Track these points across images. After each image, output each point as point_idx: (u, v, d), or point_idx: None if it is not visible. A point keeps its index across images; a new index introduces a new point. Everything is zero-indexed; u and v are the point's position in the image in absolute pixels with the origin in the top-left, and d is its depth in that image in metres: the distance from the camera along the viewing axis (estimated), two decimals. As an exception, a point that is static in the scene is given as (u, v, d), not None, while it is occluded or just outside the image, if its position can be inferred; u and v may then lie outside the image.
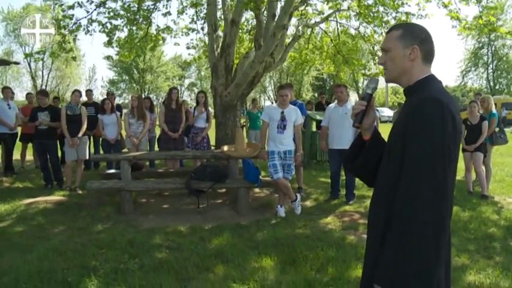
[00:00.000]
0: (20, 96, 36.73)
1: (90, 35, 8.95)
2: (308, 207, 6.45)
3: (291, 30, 9.60)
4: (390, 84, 43.51)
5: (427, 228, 1.45)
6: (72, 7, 8.44)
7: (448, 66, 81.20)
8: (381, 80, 5.77)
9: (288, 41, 8.82)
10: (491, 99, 7.66)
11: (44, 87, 42.65)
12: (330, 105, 7.29)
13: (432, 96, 1.55)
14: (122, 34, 9.82)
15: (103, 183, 6.45)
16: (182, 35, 10.86)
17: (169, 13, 9.72)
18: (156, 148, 9.35)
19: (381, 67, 7.33)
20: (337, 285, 3.59)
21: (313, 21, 10.25)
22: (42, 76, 46.78)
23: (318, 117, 9.91)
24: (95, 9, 8.65)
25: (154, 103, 12.33)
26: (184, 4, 10.29)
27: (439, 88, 1.65)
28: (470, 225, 5.32)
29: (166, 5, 9.61)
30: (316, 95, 48.27)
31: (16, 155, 9.60)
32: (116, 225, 5.42)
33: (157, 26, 10.49)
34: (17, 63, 26.84)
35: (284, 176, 5.84)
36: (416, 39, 1.69)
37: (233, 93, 7.35)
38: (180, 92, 10.19)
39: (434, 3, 8.12)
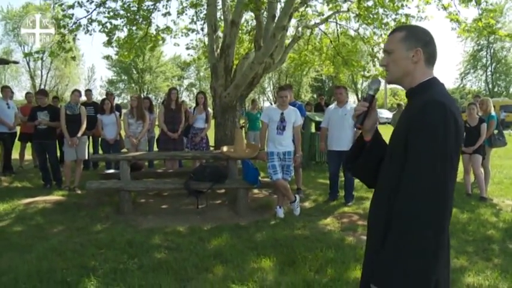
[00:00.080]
0: (19, 95, 36.77)
1: (90, 34, 8.96)
2: (307, 208, 6.45)
3: (290, 31, 9.63)
4: (389, 86, 43.60)
5: (427, 228, 1.46)
6: (72, 6, 8.44)
7: (447, 69, 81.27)
8: (381, 81, 5.77)
9: (287, 42, 8.83)
10: (490, 102, 7.67)
11: (42, 86, 42.57)
12: (330, 106, 7.30)
13: (435, 99, 1.56)
14: (122, 34, 9.83)
15: (102, 183, 6.45)
16: (182, 35, 10.88)
17: (169, 13, 9.73)
18: (155, 148, 9.36)
19: (381, 69, 7.31)
20: (336, 286, 3.59)
21: (312, 23, 10.27)
22: (41, 75, 46.76)
23: (317, 119, 9.92)
24: (94, 9, 8.65)
25: (154, 103, 12.32)
26: (184, 4, 10.31)
27: (442, 91, 1.66)
28: (469, 227, 5.33)
29: (166, 5, 9.61)
30: (315, 96, 48.24)
31: (15, 155, 9.58)
32: (115, 225, 5.42)
33: (157, 26, 10.48)
34: (16, 62, 26.84)
35: (283, 177, 5.84)
36: (419, 41, 1.69)
37: (232, 94, 7.35)
38: (179, 93, 10.24)
39: (433, 5, 8.16)
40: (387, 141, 1.83)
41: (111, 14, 8.86)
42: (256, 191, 7.26)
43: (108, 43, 9.49)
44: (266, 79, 47.26)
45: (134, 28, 9.66)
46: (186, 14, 10.60)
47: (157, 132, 9.25)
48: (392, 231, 1.53)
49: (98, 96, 42.99)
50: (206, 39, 9.35)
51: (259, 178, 6.25)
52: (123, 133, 8.27)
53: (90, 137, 9.43)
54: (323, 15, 10.44)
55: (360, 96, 53.69)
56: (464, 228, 5.28)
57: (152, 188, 6.61)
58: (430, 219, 1.46)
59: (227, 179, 6.30)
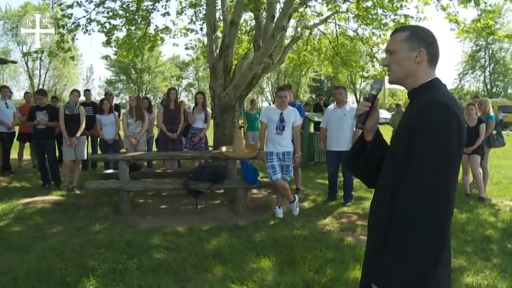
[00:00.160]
0: (17, 95, 36.69)
1: (89, 34, 8.96)
2: (306, 208, 6.45)
3: (289, 32, 9.63)
4: (387, 86, 43.70)
5: (429, 228, 1.46)
6: (71, 6, 8.44)
7: (446, 69, 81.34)
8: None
9: (286, 42, 8.83)
10: (489, 102, 7.69)
11: (41, 86, 42.53)
12: (329, 106, 7.30)
13: (438, 100, 1.56)
14: (121, 34, 9.84)
15: (101, 183, 6.45)
16: (181, 35, 10.87)
17: (168, 13, 9.73)
18: (154, 148, 9.35)
19: (379, 69, 7.30)
20: (336, 286, 3.60)
21: (311, 23, 10.28)
22: (40, 75, 46.70)
23: (316, 119, 9.93)
24: (93, 9, 8.67)
25: (152, 103, 12.30)
26: (183, 5, 10.32)
27: (444, 92, 1.66)
28: (468, 227, 5.34)
29: (165, 5, 9.60)
30: (313, 96, 48.33)
31: (13, 155, 9.57)
32: (113, 225, 5.41)
33: (156, 26, 10.50)
34: (14, 62, 26.83)
35: (282, 177, 5.85)
36: (422, 42, 1.69)
37: (231, 94, 7.35)
38: (177, 93, 10.29)
39: (432, 6, 8.17)
40: (387, 141, 1.83)
41: (110, 14, 8.87)
42: (255, 191, 7.27)
43: (107, 43, 9.50)
44: (265, 79, 47.31)
45: (133, 28, 9.67)
46: (185, 14, 10.59)
47: (156, 132, 9.24)
48: (393, 231, 1.53)
49: (96, 96, 42.94)
50: (205, 39, 9.36)
51: (258, 178, 6.25)
52: (122, 133, 8.27)
53: (89, 137, 9.41)
54: (322, 15, 10.46)
55: (358, 96, 53.78)
56: (463, 228, 5.29)
57: (151, 188, 6.61)
58: (432, 220, 1.46)
59: (226, 179, 6.29)
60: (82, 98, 9.40)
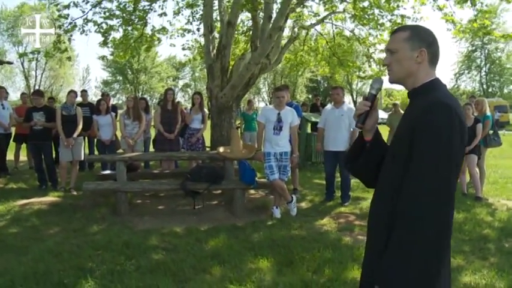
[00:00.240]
0: (13, 96, 36.57)
1: (86, 35, 8.93)
2: (303, 208, 6.45)
3: (286, 32, 9.64)
4: (384, 86, 43.71)
5: (431, 228, 1.46)
6: (67, 6, 8.40)
7: (442, 69, 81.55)
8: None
9: (283, 42, 8.84)
10: (486, 102, 7.71)
11: (37, 87, 42.31)
12: (327, 106, 7.32)
13: (441, 100, 1.56)
14: (117, 34, 9.80)
15: (99, 184, 6.43)
16: (178, 36, 10.86)
17: (165, 14, 9.70)
18: (151, 149, 9.33)
19: (376, 69, 7.30)
20: (334, 286, 3.60)
21: (308, 23, 10.29)
22: (36, 76, 46.50)
23: (313, 119, 9.94)
24: (90, 9, 8.62)
25: (149, 104, 12.27)
26: (180, 5, 10.30)
27: (446, 92, 1.66)
28: (465, 227, 5.36)
29: (162, 5, 9.58)
30: (310, 96, 48.38)
31: (9, 156, 9.53)
32: (111, 226, 5.40)
33: (153, 26, 10.47)
34: (10, 62, 26.70)
35: (280, 178, 5.85)
36: (424, 41, 1.68)
37: (228, 94, 7.35)
38: (174, 93, 10.26)
39: (429, 6, 8.19)
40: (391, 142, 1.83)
41: (107, 14, 8.83)
42: (252, 191, 7.26)
43: (104, 43, 9.47)
44: (261, 79, 47.34)
45: (130, 28, 9.64)
46: (182, 15, 10.60)
47: (153, 133, 9.23)
48: (395, 231, 1.53)
49: (92, 97, 42.82)
50: (202, 39, 9.34)
51: (256, 179, 6.25)
52: (119, 134, 8.24)
53: (86, 138, 9.38)
54: (319, 15, 10.47)
55: (355, 96, 53.87)
56: (460, 228, 5.30)
57: (149, 189, 6.59)
58: (434, 220, 1.47)
59: (224, 179, 6.29)
60: (79, 99, 9.37)
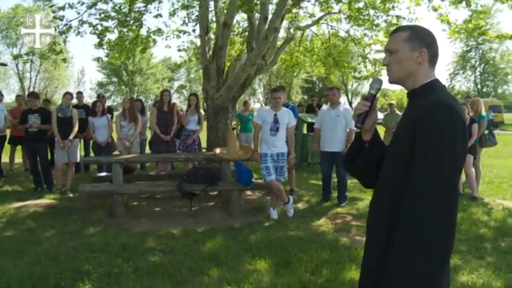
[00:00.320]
0: (8, 98, 36.33)
1: (81, 36, 8.93)
2: (300, 209, 6.45)
3: (281, 33, 9.64)
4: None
5: (434, 228, 1.46)
6: (62, 8, 8.39)
7: (437, 69, 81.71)
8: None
9: (279, 43, 8.84)
10: (481, 102, 7.74)
11: (31, 89, 42.16)
12: (323, 107, 7.32)
13: (443, 101, 1.57)
14: (113, 36, 9.78)
15: (95, 186, 6.40)
16: (173, 37, 10.85)
17: (160, 15, 9.68)
18: (148, 151, 9.30)
19: (371, 70, 7.28)
20: (332, 287, 3.60)
21: (304, 24, 10.30)
22: (30, 78, 46.31)
23: (309, 120, 9.95)
24: (85, 11, 8.62)
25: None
26: (176, 6, 10.29)
27: (446, 93, 1.67)
28: (462, 227, 5.37)
29: (158, 7, 9.58)
30: (305, 97, 48.45)
31: (4, 158, 9.47)
32: (107, 228, 5.37)
33: (148, 28, 10.45)
34: (4, 64, 26.62)
35: (277, 178, 5.84)
36: (424, 42, 1.68)
37: (224, 95, 7.35)
38: (170, 95, 10.23)
39: (424, 6, 8.22)
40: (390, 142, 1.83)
41: (102, 15, 8.82)
42: (248, 192, 7.25)
43: (99, 45, 9.45)
44: (257, 80, 47.35)
45: (125, 30, 9.62)
46: (177, 16, 10.57)
47: (148, 134, 9.20)
48: (398, 231, 1.53)
49: (87, 99, 42.68)
50: (198, 40, 9.34)
51: (253, 180, 6.25)
52: (114, 135, 8.22)
53: (82, 140, 9.35)
54: (314, 16, 10.48)
55: (350, 97, 53.99)
56: (457, 228, 5.25)
57: (145, 191, 6.57)
58: (437, 220, 1.47)
59: (220, 180, 6.28)
60: (74, 101, 9.33)
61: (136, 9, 9.28)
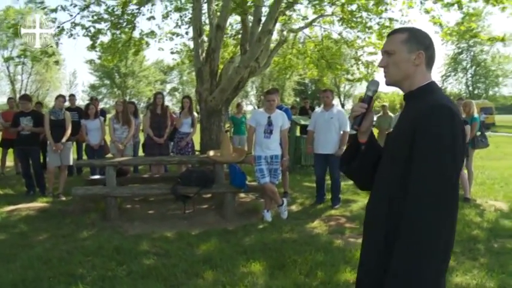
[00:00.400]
0: (-1, 100, 36.06)
1: (74, 38, 8.88)
2: (294, 211, 6.46)
3: (275, 35, 9.66)
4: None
5: (434, 229, 1.48)
6: (55, 10, 8.35)
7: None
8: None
9: (272, 46, 8.86)
10: (473, 104, 7.78)
11: (23, 91, 41.78)
12: (316, 109, 7.34)
13: (441, 103, 1.58)
14: (105, 38, 9.75)
15: (88, 189, 6.35)
16: (166, 39, 10.84)
17: (153, 17, 9.68)
18: (141, 153, 9.26)
19: (364, 72, 7.30)
20: (327, 289, 3.61)
21: (297, 26, 10.32)
22: (22, 80, 45.93)
23: (302, 122, 9.96)
24: (78, 13, 8.59)
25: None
26: (169, 9, 10.27)
27: (443, 95, 1.68)
28: (455, 228, 5.39)
29: (151, 9, 9.56)
30: (298, 99, 48.57)
31: (-4, 161, 9.41)
32: (101, 231, 5.34)
33: (141, 30, 10.44)
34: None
35: (271, 181, 5.84)
36: (421, 44, 1.69)
37: (218, 98, 7.34)
38: (164, 97, 10.21)
39: (416, 9, 8.28)
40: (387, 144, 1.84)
41: (95, 18, 8.80)
42: (242, 195, 7.23)
43: (92, 47, 9.42)
44: (249, 83, 47.36)
45: (118, 32, 9.59)
46: (170, 18, 10.59)
47: (142, 137, 9.17)
48: (399, 232, 1.54)
49: (80, 101, 42.42)
50: (191, 43, 9.33)
51: (246, 182, 6.24)
52: (107, 138, 8.18)
53: (74, 143, 9.29)
54: (307, 19, 10.51)
55: (342, 99, 54.17)
56: (450, 229, 5.33)
57: (138, 194, 6.54)
58: (438, 220, 1.48)
59: (214, 183, 6.27)
60: (66, 104, 9.27)
61: (129, 12, 9.26)
